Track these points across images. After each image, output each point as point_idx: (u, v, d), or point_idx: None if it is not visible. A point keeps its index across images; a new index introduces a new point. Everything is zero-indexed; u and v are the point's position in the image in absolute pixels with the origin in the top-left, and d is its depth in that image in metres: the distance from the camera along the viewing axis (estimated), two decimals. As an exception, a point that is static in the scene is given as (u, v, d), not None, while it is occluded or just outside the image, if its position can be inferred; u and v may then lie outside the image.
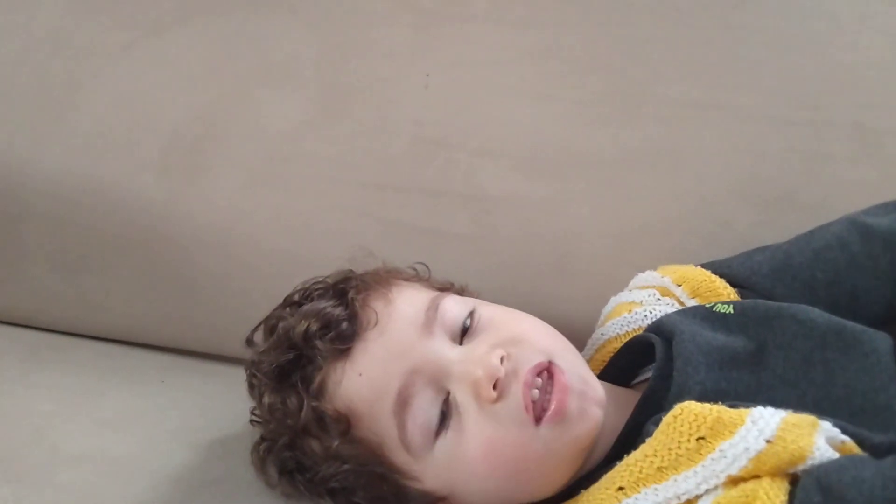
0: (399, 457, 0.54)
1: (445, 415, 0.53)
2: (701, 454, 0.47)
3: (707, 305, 0.59)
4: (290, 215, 0.77)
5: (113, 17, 0.81)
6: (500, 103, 0.75)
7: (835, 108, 0.70)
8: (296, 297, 0.61)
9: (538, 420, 0.52)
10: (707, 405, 0.49)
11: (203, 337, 0.80)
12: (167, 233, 0.78)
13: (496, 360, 0.52)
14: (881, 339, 0.53)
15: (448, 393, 0.54)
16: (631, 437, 0.54)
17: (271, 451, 0.59)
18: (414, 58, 0.76)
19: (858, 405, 0.50)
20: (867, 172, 0.69)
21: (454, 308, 0.57)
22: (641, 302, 0.65)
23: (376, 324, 0.55)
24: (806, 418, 0.47)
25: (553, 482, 0.54)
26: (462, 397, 0.53)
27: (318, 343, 0.55)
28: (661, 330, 0.59)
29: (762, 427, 0.46)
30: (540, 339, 0.56)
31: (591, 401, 0.53)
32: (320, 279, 0.62)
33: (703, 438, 0.48)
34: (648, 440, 0.50)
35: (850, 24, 0.71)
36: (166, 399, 0.73)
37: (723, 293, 0.63)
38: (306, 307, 0.57)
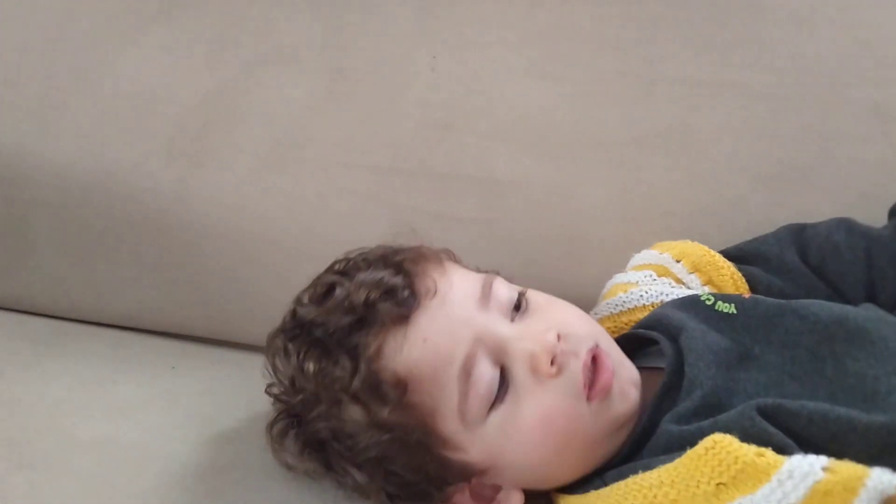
0: (449, 426, 0.54)
1: (501, 387, 0.54)
2: (719, 499, 0.46)
3: (708, 303, 0.59)
4: (299, 200, 0.76)
5: (117, 4, 0.80)
6: (509, 85, 0.74)
7: (850, 87, 0.69)
8: (339, 267, 0.61)
9: (589, 396, 0.54)
10: (745, 446, 0.46)
11: (213, 323, 0.80)
12: (176, 219, 0.78)
13: (553, 338, 0.54)
14: (884, 324, 0.54)
15: (503, 367, 0.55)
16: (647, 433, 0.54)
17: (294, 426, 0.59)
18: (420, 39, 0.75)
19: (870, 390, 0.50)
20: (883, 152, 0.68)
21: (505, 289, 0.58)
22: (637, 282, 0.66)
23: (436, 293, 0.56)
24: (849, 479, 0.43)
25: (588, 460, 0.56)
26: (518, 370, 0.54)
27: (381, 307, 0.55)
28: (664, 325, 0.59)
29: (787, 491, 0.44)
30: (585, 325, 0.58)
31: (628, 382, 0.56)
32: (364, 250, 0.62)
33: (723, 484, 0.46)
34: (667, 466, 0.49)
35: (866, 0, 0.70)
36: (177, 386, 0.73)
37: (722, 266, 0.65)
38: (362, 275, 0.57)
